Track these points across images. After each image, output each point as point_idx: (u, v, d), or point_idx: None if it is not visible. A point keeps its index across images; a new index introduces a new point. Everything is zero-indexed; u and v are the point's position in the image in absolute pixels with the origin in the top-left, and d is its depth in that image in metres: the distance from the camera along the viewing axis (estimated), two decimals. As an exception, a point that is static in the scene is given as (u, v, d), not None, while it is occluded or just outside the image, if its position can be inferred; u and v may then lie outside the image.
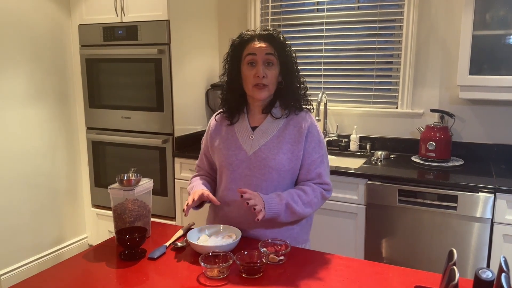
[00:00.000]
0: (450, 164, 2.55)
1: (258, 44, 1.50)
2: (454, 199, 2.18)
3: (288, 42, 1.56)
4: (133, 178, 1.55)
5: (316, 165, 1.55)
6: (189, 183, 1.71)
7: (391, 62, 2.93)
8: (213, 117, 1.70)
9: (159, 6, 2.80)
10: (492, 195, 2.11)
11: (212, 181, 1.72)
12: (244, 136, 1.57)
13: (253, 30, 1.54)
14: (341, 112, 3.03)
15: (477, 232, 2.16)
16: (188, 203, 1.48)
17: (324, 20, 3.03)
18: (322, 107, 2.98)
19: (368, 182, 2.38)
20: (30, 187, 2.99)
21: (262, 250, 1.36)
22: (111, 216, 1.67)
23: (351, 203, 2.45)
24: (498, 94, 2.35)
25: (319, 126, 1.83)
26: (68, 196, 3.29)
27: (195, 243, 1.41)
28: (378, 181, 2.36)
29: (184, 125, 3.02)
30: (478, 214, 2.14)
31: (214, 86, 3.23)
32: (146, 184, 1.59)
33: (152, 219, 1.65)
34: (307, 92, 1.61)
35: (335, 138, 3.01)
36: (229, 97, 1.61)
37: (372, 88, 2.97)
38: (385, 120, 2.92)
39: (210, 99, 3.25)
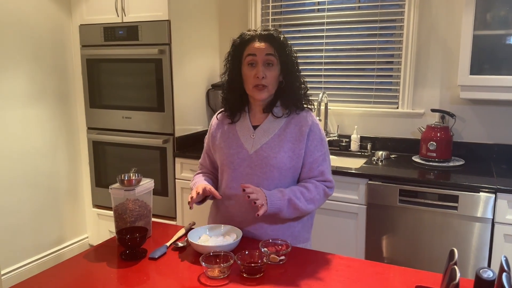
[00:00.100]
0: (451, 164, 2.55)
1: (258, 44, 1.50)
2: (455, 199, 2.18)
3: (289, 42, 1.56)
4: (134, 178, 1.55)
5: (318, 163, 1.56)
6: (192, 180, 1.71)
7: (391, 62, 2.93)
8: (215, 116, 1.71)
9: (160, 6, 2.80)
10: (493, 195, 2.11)
11: (214, 178, 1.72)
12: (246, 135, 1.58)
13: (254, 30, 1.55)
14: (342, 112, 3.03)
15: (478, 232, 2.16)
16: (192, 197, 1.48)
17: (325, 20, 3.03)
18: (322, 107, 2.98)
19: (369, 182, 2.38)
20: (31, 187, 2.99)
21: (263, 250, 1.36)
22: (111, 216, 1.67)
23: (352, 203, 2.45)
24: (498, 94, 2.35)
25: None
26: (69, 196, 3.29)
27: (196, 243, 1.41)
28: (379, 181, 2.36)
29: (184, 125, 3.02)
30: (479, 214, 2.14)
31: (214, 86, 3.23)
32: (147, 184, 1.59)
33: (153, 219, 1.65)
34: (308, 92, 1.61)
35: (336, 138, 3.01)
36: (230, 96, 1.61)
37: (372, 88, 2.97)
38: (386, 120, 2.92)
39: (211, 99, 3.25)
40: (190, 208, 1.46)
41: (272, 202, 1.45)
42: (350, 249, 2.48)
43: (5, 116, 2.79)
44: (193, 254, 1.43)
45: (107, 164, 3.20)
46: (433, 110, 2.72)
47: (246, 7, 3.25)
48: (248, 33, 1.54)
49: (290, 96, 1.56)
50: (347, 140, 2.98)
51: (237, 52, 1.55)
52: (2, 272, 2.82)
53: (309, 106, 1.62)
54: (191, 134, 3.10)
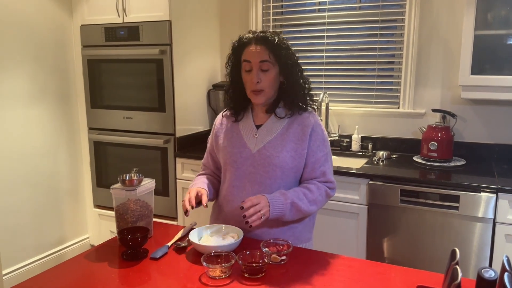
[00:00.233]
0: (452, 164, 2.55)
1: (253, 48, 1.51)
2: (456, 199, 2.18)
3: (288, 42, 1.56)
4: (135, 178, 1.55)
5: (320, 164, 1.57)
6: (193, 181, 1.72)
7: (392, 62, 2.93)
8: (219, 115, 1.73)
9: (161, 6, 2.80)
10: (494, 195, 2.11)
11: (216, 180, 1.73)
12: (249, 134, 1.59)
13: (253, 32, 1.55)
14: (343, 112, 3.03)
15: (479, 232, 2.16)
16: (184, 202, 1.50)
17: (326, 20, 3.03)
18: (323, 107, 2.98)
19: (370, 182, 2.38)
20: (32, 187, 3.00)
21: (264, 250, 1.37)
22: (113, 216, 1.68)
23: (353, 203, 2.45)
24: (500, 94, 2.35)
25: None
26: (70, 197, 3.30)
27: (197, 243, 1.41)
28: (380, 181, 2.36)
29: (185, 125, 3.03)
30: (480, 214, 2.14)
31: (215, 87, 3.23)
32: (148, 184, 1.59)
33: (154, 219, 1.65)
34: (311, 91, 1.62)
35: (337, 138, 3.01)
36: (233, 96, 1.64)
37: (373, 88, 2.97)
38: (387, 120, 2.92)
39: (212, 100, 3.25)
40: (186, 216, 1.48)
41: (275, 207, 1.45)
42: (351, 249, 2.48)
43: (6, 116, 2.80)
44: (194, 254, 1.43)
45: (108, 164, 3.20)
46: (434, 110, 2.72)
47: (247, 7, 3.25)
48: (246, 36, 1.55)
49: (292, 96, 1.56)
50: (348, 140, 2.97)
51: (236, 56, 1.58)
52: (3, 272, 2.82)
53: (312, 106, 1.63)
54: (192, 134, 3.10)
